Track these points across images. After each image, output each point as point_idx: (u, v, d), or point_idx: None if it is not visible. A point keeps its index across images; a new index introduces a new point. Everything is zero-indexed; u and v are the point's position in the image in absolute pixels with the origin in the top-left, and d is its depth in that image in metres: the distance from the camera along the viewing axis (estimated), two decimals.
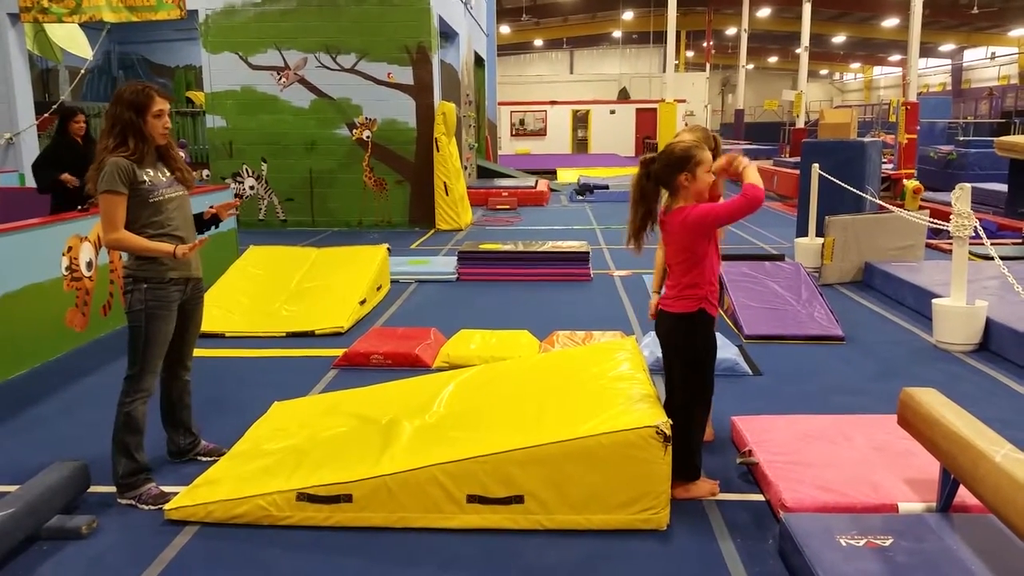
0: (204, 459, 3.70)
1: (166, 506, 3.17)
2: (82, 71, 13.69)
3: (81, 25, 12.52)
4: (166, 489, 3.35)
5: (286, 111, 12.00)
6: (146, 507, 3.26)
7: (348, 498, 3.07)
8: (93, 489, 3.34)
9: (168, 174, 3.44)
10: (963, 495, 2.85)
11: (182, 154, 3.69)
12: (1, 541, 2.75)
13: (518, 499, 3.02)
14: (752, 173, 3.07)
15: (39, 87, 14.10)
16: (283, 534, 3.04)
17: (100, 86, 16.59)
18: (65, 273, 5.58)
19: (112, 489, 3.37)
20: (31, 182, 11.64)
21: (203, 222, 3.70)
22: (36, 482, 3.06)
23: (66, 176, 6.55)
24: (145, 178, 3.30)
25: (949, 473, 2.76)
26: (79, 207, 6.22)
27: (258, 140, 12.08)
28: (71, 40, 13.16)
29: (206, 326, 4.22)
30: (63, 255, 5.56)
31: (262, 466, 3.40)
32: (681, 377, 3.28)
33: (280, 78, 11.95)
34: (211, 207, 3.73)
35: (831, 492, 3.07)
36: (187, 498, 3.19)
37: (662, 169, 3.19)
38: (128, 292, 3.36)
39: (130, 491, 3.31)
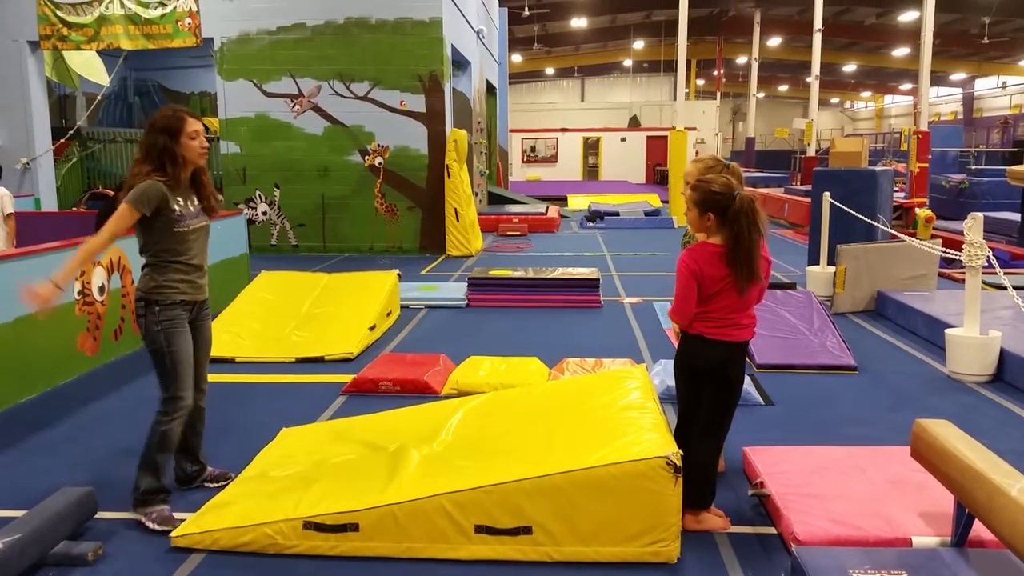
0: (211, 485, 3.69)
1: (172, 533, 3.15)
2: (99, 97, 13.90)
3: (98, 52, 12.74)
4: (174, 515, 3.33)
5: (299, 138, 12.12)
6: (153, 526, 3.27)
7: (355, 527, 3.04)
8: (100, 515, 3.33)
9: (196, 203, 3.46)
10: (979, 530, 2.80)
11: None
12: (7, 567, 2.74)
13: (526, 530, 2.98)
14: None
15: (56, 113, 14.31)
16: (289, 563, 3.02)
17: (116, 112, 16.82)
18: (77, 297, 5.61)
19: (119, 515, 3.36)
20: (47, 206, 11.81)
21: None
22: (43, 508, 3.05)
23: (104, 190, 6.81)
24: (176, 207, 3.34)
25: (964, 507, 2.72)
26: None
27: (271, 166, 12.19)
28: (88, 67, 13.39)
29: (216, 351, 4.24)
30: (76, 279, 5.59)
31: (269, 493, 3.38)
32: (715, 407, 3.24)
33: (294, 105, 12.09)
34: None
35: (844, 525, 3.02)
36: (193, 525, 3.18)
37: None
38: (141, 316, 3.39)
39: (144, 507, 3.34)
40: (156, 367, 3.41)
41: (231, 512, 3.24)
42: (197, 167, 3.43)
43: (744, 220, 3.01)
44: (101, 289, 5.90)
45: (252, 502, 3.31)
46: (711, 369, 3.20)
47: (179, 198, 3.37)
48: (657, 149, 30.27)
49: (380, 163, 12.11)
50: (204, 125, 3.44)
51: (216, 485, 3.66)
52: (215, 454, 3.91)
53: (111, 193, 9.40)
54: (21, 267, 5.10)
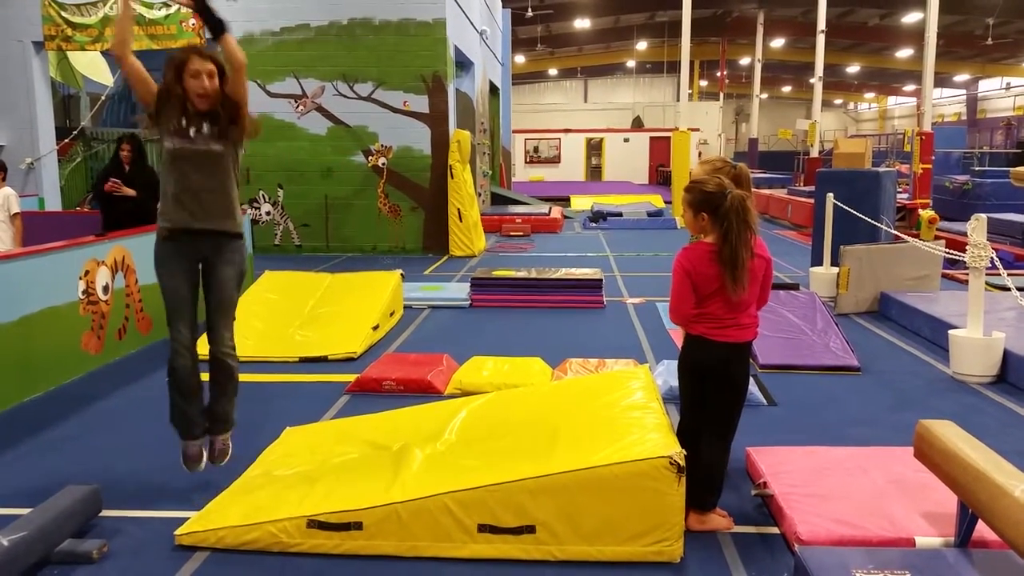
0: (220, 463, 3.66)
1: (177, 531, 3.16)
2: (103, 97, 13.94)
3: (103, 52, 12.75)
4: (178, 515, 3.34)
5: (303, 138, 12.14)
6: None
7: (359, 526, 3.05)
8: (104, 513, 3.34)
9: (205, 131, 3.32)
10: (982, 530, 2.80)
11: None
12: (13, 565, 2.75)
13: (530, 529, 2.99)
14: None
15: (60, 113, 14.34)
16: (293, 561, 3.03)
17: (120, 112, 16.84)
18: (82, 297, 5.63)
19: (124, 513, 3.39)
20: (51, 206, 11.84)
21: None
22: (48, 506, 3.06)
23: (108, 185, 7.08)
24: (171, 122, 3.27)
25: (967, 507, 2.72)
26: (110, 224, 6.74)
27: (275, 167, 12.20)
28: (93, 67, 13.41)
29: None
30: (80, 279, 5.61)
31: (273, 492, 3.39)
32: (721, 407, 3.25)
33: (297, 106, 12.10)
34: None
35: (847, 525, 3.03)
36: (198, 523, 3.19)
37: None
38: None
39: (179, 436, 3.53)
40: None
41: (235, 510, 3.25)
42: (217, 107, 3.32)
43: (733, 218, 3.01)
44: (105, 289, 5.91)
45: (256, 500, 3.32)
46: (713, 370, 3.20)
47: (182, 118, 3.29)
48: (660, 150, 30.25)
49: (383, 163, 12.12)
50: (218, 64, 3.29)
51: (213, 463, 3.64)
52: None
53: (125, 189, 9.47)
54: (25, 266, 5.12)
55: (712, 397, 3.24)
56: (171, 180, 3.36)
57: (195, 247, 3.42)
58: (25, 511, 3.08)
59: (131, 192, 7.03)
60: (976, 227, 5.35)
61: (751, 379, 5.06)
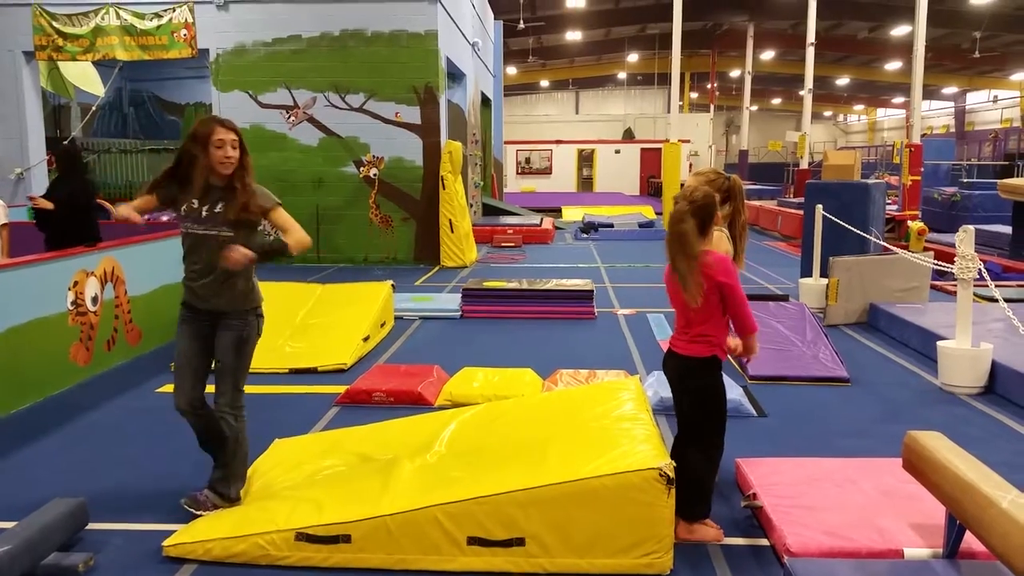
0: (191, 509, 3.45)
1: (164, 543, 3.14)
2: (93, 108, 13.91)
3: (94, 63, 12.75)
4: (165, 527, 3.32)
5: (294, 149, 12.13)
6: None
7: (347, 538, 3.04)
8: (91, 526, 3.32)
9: (215, 210, 3.38)
10: (970, 541, 2.81)
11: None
12: None
13: (519, 541, 2.98)
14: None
15: (51, 123, 14.30)
16: (281, 574, 3.01)
17: (111, 123, 16.82)
18: (71, 308, 5.60)
19: (110, 526, 3.37)
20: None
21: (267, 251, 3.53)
22: (34, 519, 3.04)
23: (30, 197, 6.88)
24: (183, 206, 3.41)
25: (955, 518, 2.73)
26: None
27: (266, 177, 12.01)
28: (84, 77, 13.39)
29: None
30: (69, 290, 5.58)
31: (262, 504, 3.37)
32: (693, 419, 3.27)
33: (289, 116, 12.11)
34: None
35: (836, 537, 3.03)
36: (186, 535, 3.17)
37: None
38: None
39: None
40: None
41: (223, 522, 3.23)
42: (232, 175, 3.40)
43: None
44: (94, 300, 5.89)
45: (244, 512, 3.30)
46: (672, 381, 3.32)
47: (193, 200, 3.39)
48: (651, 161, 30.39)
49: (375, 174, 12.13)
50: (239, 137, 3.41)
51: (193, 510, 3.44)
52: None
53: (107, 204, 9.30)
54: (14, 277, 5.10)
55: (681, 408, 3.31)
56: (184, 259, 3.49)
57: (198, 321, 3.52)
58: (11, 524, 3.06)
59: (47, 205, 6.58)
60: (964, 239, 5.38)
61: (741, 390, 5.11)
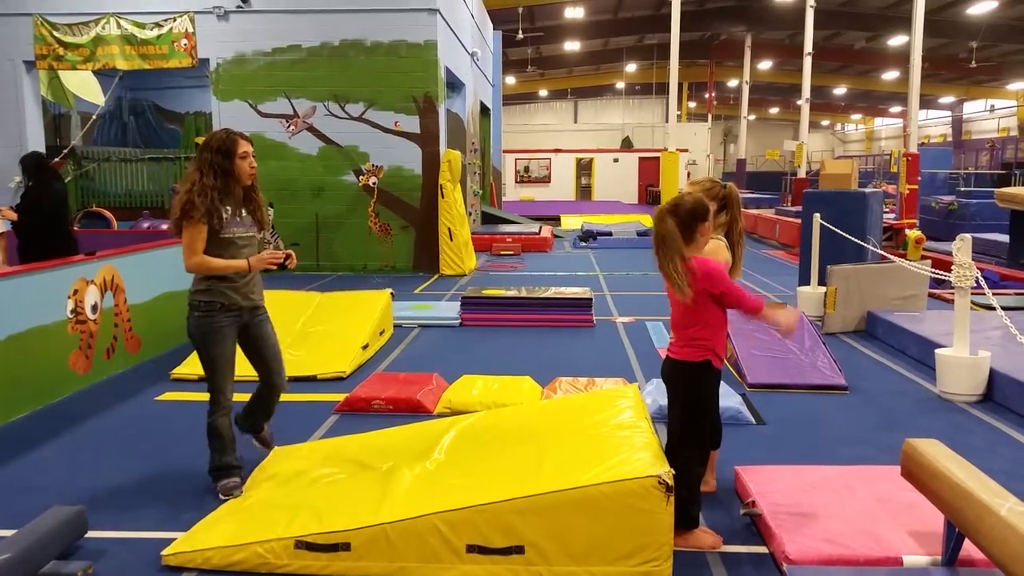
0: (257, 445, 4.11)
1: (164, 552, 3.14)
2: (94, 117, 13.94)
3: (94, 72, 12.78)
4: (164, 535, 3.32)
5: (294, 158, 12.17)
6: (221, 496, 3.67)
7: (347, 547, 3.04)
8: (90, 534, 3.31)
9: (246, 216, 3.76)
10: (969, 549, 2.81)
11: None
12: None
13: (518, 549, 2.98)
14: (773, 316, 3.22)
15: (51, 132, 14.33)
16: None
17: (111, 131, 16.86)
18: (70, 316, 5.60)
19: (109, 534, 3.37)
20: None
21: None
22: (32, 527, 3.03)
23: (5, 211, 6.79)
24: (224, 215, 3.62)
25: (954, 526, 2.74)
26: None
27: (266, 186, 11.98)
28: (84, 86, 13.43)
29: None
30: (68, 298, 5.59)
31: (261, 513, 3.37)
32: (679, 423, 3.28)
33: (289, 125, 12.14)
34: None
35: (835, 544, 3.03)
36: (185, 544, 3.17)
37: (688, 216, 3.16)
38: (187, 318, 3.74)
39: (215, 481, 3.76)
40: (202, 366, 3.75)
41: (223, 530, 3.23)
42: (248, 185, 3.74)
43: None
44: (94, 308, 5.89)
45: (244, 521, 3.30)
46: (667, 384, 3.37)
47: (228, 207, 3.65)
48: (649, 170, 30.47)
49: (374, 183, 12.16)
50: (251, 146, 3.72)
51: (259, 447, 4.11)
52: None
53: (105, 212, 9.35)
54: (13, 285, 5.10)
55: (675, 413, 3.33)
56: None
57: (235, 319, 3.77)
58: (10, 532, 3.06)
59: (11, 216, 6.57)
60: (961, 247, 5.40)
61: (739, 398, 5.11)
